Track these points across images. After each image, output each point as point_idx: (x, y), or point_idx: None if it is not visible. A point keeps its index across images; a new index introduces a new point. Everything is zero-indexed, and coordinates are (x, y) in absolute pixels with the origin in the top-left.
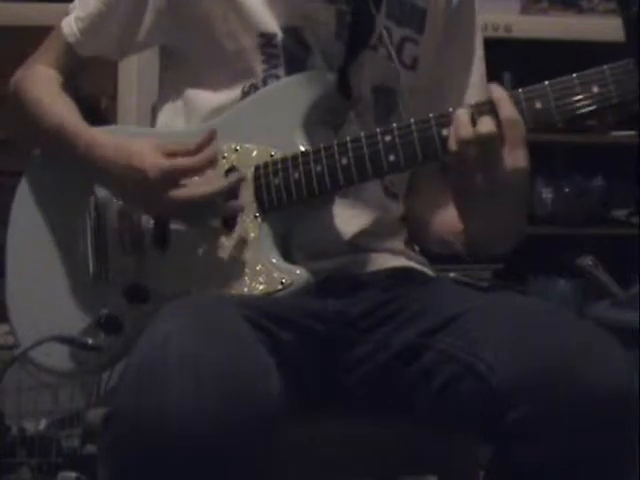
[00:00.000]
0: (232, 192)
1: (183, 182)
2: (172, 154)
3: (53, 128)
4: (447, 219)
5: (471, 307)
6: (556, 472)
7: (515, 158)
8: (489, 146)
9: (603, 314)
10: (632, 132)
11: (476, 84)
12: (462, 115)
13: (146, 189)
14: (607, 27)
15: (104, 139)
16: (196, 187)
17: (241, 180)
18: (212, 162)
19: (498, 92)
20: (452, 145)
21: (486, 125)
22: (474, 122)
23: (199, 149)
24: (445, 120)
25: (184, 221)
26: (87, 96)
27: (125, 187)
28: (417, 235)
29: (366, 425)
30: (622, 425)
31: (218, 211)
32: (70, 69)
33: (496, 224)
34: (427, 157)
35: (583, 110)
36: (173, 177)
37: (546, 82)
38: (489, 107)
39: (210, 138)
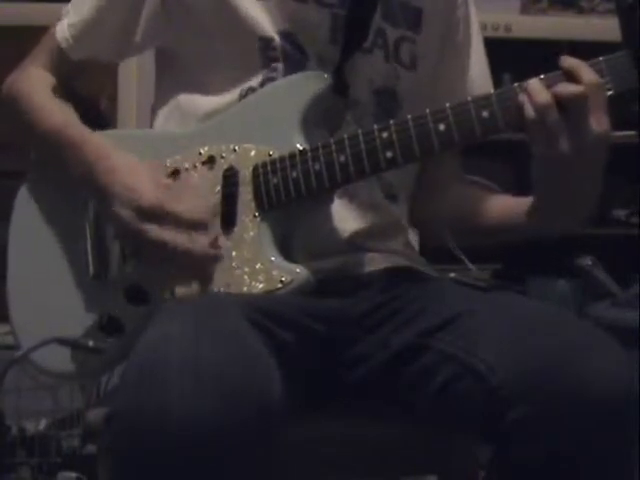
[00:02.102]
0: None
1: (167, 225)
2: (173, 196)
3: (52, 135)
4: (498, 207)
5: (471, 307)
6: (556, 472)
7: (600, 122)
8: (574, 109)
9: (603, 314)
10: (632, 132)
11: (477, 78)
12: (534, 83)
13: (135, 209)
14: (607, 27)
15: (110, 151)
16: (182, 237)
17: (219, 258)
18: (202, 228)
19: (571, 60)
20: (530, 112)
21: (566, 87)
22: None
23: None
24: (441, 115)
25: (152, 257)
26: (87, 97)
27: (116, 201)
28: (454, 233)
29: (366, 425)
30: (622, 425)
31: (187, 266)
32: (64, 73)
33: (577, 193)
34: (424, 152)
35: None
36: (163, 214)
37: (542, 75)
38: (561, 78)
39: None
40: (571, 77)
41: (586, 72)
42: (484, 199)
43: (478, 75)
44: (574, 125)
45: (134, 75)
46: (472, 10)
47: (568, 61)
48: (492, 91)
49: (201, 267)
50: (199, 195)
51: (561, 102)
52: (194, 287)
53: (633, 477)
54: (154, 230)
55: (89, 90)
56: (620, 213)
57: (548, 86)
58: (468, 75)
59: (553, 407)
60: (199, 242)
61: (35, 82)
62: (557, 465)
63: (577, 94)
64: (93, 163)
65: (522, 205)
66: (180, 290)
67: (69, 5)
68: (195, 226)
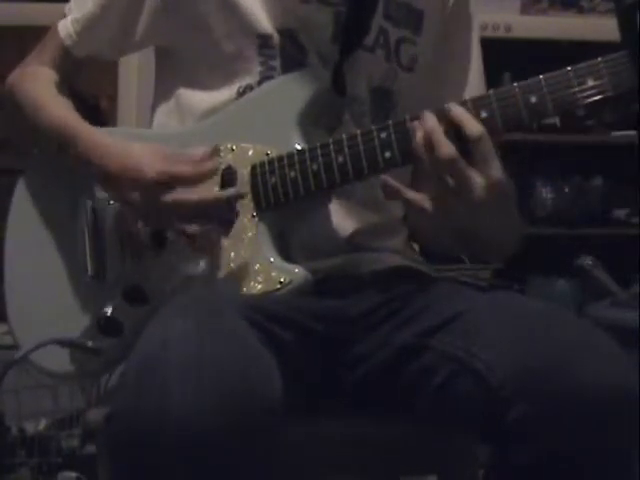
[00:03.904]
0: (228, 205)
1: (179, 188)
2: (172, 160)
3: (53, 129)
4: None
5: (470, 307)
6: (556, 472)
7: (488, 172)
8: (453, 171)
9: (603, 314)
10: (632, 132)
11: (473, 83)
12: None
13: (141, 189)
14: (607, 27)
15: (105, 139)
16: (192, 193)
17: (240, 196)
18: (211, 174)
19: (456, 111)
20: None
21: (438, 150)
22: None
23: (200, 160)
24: (440, 115)
25: (171, 225)
26: (87, 96)
27: (121, 186)
28: (420, 235)
29: (366, 425)
30: (622, 425)
31: (209, 219)
32: (67, 70)
33: (484, 237)
34: None
35: (578, 103)
36: (169, 180)
37: (540, 76)
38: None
39: (213, 152)
40: (453, 131)
41: (468, 125)
42: None
43: (474, 76)
44: (455, 186)
45: (134, 74)
46: (473, 13)
47: (452, 112)
48: (489, 92)
49: (221, 216)
50: (199, 156)
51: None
52: (194, 286)
53: (633, 477)
54: (167, 197)
55: (89, 89)
56: (620, 213)
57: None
58: (467, 80)
59: (552, 407)
60: (213, 192)
61: (37, 79)
62: (556, 465)
63: (447, 158)
64: (90, 154)
65: None
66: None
67: (71, 2)
68: (204, 176)
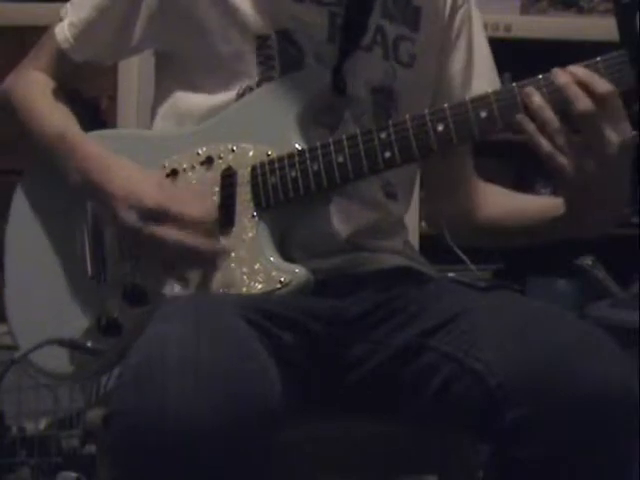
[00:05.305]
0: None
1: (171, 225)
2: (173, 196)
3: (51, 139)
4: (536, 207)
5: (470, 307)
6: (555, 472)
7: (619, 131)
8: (586, 127)
9: (603, 314)
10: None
11: (483, 74)
12: (545, 112)
13: (138, 212)
14: (607, 27)
15: (106, 155)
16: (186, 235)
17: (225, 252)
18: (209, 233)
19: (582, 72)
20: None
21: (574, 105)
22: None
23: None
24: (440, 115)
25: (153, 259)
26: (87, 96)
27: (118, 205)
28: (467, 232)
29: (366, 425)
30: (621, 425)
31: (192, 264)
32: (64, 75)
33: (607, 199)
34: (423, 153)
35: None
36: (165, 216)
37: (540, 76)
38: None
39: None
40: (583, 89)
41: (598, 83)
42: (518, 199)
43: (483, 72)
44: (589, 142)
45: (134, 75)
46: (474, 9)
47: (580, 72)
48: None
49: (206, 264)
50: (200, 194)
51: (572, 121)
52: (194, 286)
53: (633, 477)
54: (159, 230)
55: (90, 90)
56: None
57: (550, 101)
58: (472, 73)
59: (552, 407)
60: (204, 239)
61: (33, 86)
62: (556, 465)
63: (585, 112)
64: (90, 169)
65: (557, 207)
66: (179, 289)
67: (67, 5)
68: (199, 224)
